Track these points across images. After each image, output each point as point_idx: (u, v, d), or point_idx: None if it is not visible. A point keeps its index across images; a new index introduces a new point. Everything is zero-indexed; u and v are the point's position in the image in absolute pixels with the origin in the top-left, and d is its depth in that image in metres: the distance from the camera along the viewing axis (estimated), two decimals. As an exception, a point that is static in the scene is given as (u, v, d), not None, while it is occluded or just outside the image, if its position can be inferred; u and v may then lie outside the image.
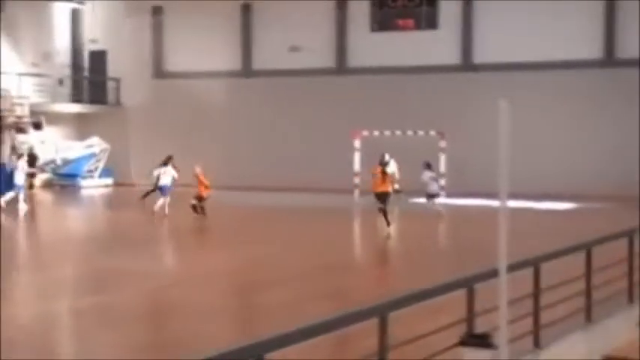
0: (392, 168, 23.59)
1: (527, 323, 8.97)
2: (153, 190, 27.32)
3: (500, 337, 5.47)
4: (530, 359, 8.94)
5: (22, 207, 26.91)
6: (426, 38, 35.97)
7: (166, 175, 26.26)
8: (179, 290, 14.83)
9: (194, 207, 25.53)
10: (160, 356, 10.20)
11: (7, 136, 35.75)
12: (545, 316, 9.24)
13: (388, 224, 21.81)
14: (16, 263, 17.87)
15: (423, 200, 27.26)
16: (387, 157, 23.73)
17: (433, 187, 26.82)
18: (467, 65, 35.46)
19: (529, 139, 32.00)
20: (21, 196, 27.27)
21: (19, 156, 30.73)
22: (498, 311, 5.36)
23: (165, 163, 26.61)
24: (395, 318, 6.62)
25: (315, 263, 17.28)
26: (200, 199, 25.55)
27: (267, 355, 5.29)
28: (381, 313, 6.53)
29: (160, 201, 26.09)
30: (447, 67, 35.46)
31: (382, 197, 22.17)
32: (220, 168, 32.84)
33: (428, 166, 27.01)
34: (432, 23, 36.13)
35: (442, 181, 31.15)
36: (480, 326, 7.44)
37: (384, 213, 21.90)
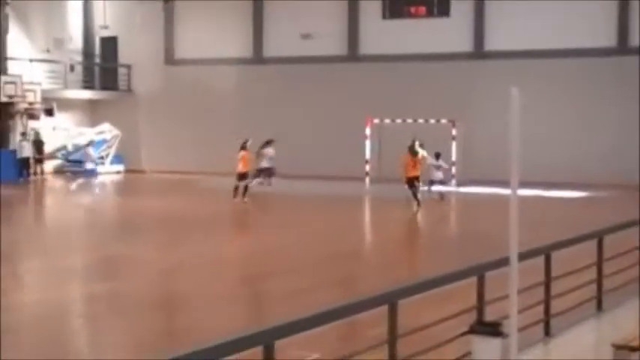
0: (421, 151, 25.39)
1: (538, 312, 8.95)
2: (258, 175, 28.00)
3: (511, 326, 5.46)
4: (540, 347, 8.92)
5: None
6: (437, 25, 35.83)
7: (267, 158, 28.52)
8: (196, 278, 14.82)
9: (236, 188, 26.45)
10: (171, 341, 10.23)
11: (18, 122, 35.86)
12: (556, 305, 9.22)
13: (418, 204, 23.97)
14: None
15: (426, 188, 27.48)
16: (417, 143, 25.14)
17: (436, 175, 27.64)
18: (479, 53, 35.31)
19: (540, 127, 31.83)
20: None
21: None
22: (509, 299, 5.35)
23: (267, 144, 28.84)
24: (404, 306, 6.60)
25: (331, 251, 17.32)
26: (242, 177, 26.61)
27: (278, 342, 5.29)
28: (391, 300, 6.52)
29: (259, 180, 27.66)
30: (458, 54, 35.32)
31: (414, 180, 24.15)
32: (231, 155, 32.77)
33: (436, 156, 27.81)
34: (444, 10, 35.97)
35: (453, 169, 31.21)
36: (490, 315, 7.43)
37: (415, 194, 24.08)
